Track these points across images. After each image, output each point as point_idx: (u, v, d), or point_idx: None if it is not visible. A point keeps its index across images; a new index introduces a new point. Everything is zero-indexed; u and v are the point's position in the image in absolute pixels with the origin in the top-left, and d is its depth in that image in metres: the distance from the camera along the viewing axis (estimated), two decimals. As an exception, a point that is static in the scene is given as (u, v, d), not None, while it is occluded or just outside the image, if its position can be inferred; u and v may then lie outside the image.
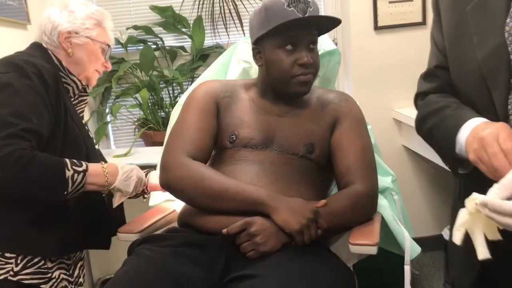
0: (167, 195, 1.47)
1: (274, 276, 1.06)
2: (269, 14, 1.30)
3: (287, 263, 1.11)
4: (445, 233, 2.35)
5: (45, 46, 1.42)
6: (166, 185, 1.30)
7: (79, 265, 1.47)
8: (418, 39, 2.53)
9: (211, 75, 1.73)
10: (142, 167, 1.81)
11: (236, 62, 1.70)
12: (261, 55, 1.37)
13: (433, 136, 1.09)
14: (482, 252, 0.80)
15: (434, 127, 1.07)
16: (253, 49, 1.39)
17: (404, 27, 2.52)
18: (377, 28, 2.52)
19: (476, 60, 0.97)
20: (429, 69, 1.17)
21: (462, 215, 0.83)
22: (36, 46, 1.42)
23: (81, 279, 1.46)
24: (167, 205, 1.56)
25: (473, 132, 0.92)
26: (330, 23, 1.37)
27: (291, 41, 1.30)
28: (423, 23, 2.53)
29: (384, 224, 1.40)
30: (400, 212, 1.50)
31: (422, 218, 2.68)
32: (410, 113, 2.48)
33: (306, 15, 1.28)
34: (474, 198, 0.80)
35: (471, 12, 0.99)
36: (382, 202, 1.43)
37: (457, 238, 0.83)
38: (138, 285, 1.07)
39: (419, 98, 1.18)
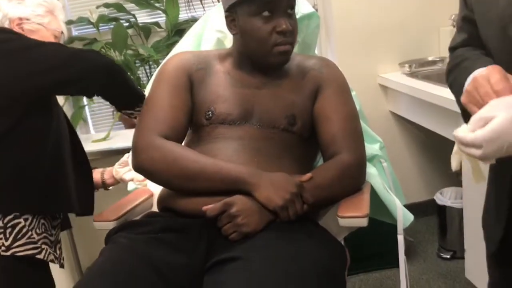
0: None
1: (260, 257, 1.00)
2: None
3: (273, 242, 1.05)
4: (438, 198, 2.32)
5: None
6: (138, 168, 1.23)
7: (58, 245, 1.44)
8: (401, 1, 2.44)
9: (184, 47, 1.63)
10: (123, 150, 1.74)
11: (210, 31, 1.60)
12: (235, 23, 1.26)
13: (453, 91, 1.09)
14: (478, 177, 0.89)
15: (453, 81, 1.07)
16: (226, 17, 1.28)
17: (386, -12, 2.43)
18: (358, -10, 2.42)
19: (499, 8, 0.93)
20: (457, 22, 1.14)
21: (455, 146, 0.89)
22: None
23: (62, 261, 1.44)
24: (146, 189, 1.48)
25: (472, 78, 0.92)
26: None
27: (268, 7, 1.20)
28: (406, -17, 2.43)
29: (374, 194, 1.34)
30: (390, 180, 1.44)
31: (413, 183, 2.65)
32: (396, 78, 2.42)
33: None
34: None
35: None
36: (371, 171, 1.37)
37: (453, 165, 0.92)
38: (115, 276, 1.01)
39: (449, 52, 1.16)
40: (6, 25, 1.39)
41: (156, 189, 1.44)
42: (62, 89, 1.36)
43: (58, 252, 1.41)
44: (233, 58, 1.34)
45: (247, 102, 1.27)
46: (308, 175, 1.17)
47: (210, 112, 1.27)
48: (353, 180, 1.24)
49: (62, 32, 1.49)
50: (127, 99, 1.41)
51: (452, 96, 1.92)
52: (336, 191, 1.20)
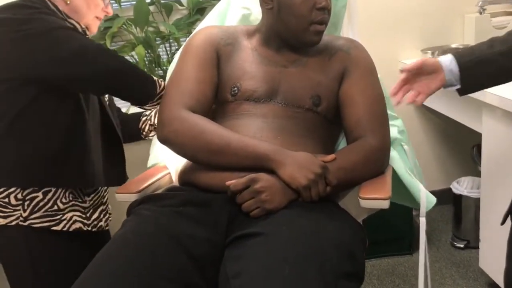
0: (167, 153, 1.41)
1: (281, 234, 1.00)
2: None
3: (295, 219, 1.05)
4: (454, 187, 2.31)
5: None
6: (164, 140, 1.23)
7: (100, 209, 1.45)
8: (426, -14, 2.41)
9: (209, 24, 1.62)
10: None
11: (234, 9, 1.59)
12: None
13: None
14: None
15: None
16: None
17: (412, -27, 2.39)
18: (383, -26, 2.39)
19: None
20: None
21: None
22: None
23: (102, 223, 1.44)
24: (165, 166, 1.49)
25: None
26: None
27: None
28: (432, -32, 2.39)
29: (394, 177, 1.34)
30: (412, 163, 1.43)
31: (430, 171, 2.63)
32: (417, 64, 2.39)
33: None
34: None
35: None
36: (392, 154, 1.36)
37: None
38: (137, 245, 1.02)
39: None
40: None
41: (173, 167, 1.46)
42: (63, 84, 1.30)
43: (96, 215, 1.41)
44: (261, 34, 1.33)
45: (273, 80, 1.27)
46: (332, 156, 1.16)
47: (236, 88, 1.27)
48: (377, 165, 1.23)
49: None
50: (136, 100, 1.40)
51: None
52: (359, 174, 1.19)
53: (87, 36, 1.43)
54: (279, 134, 1.21)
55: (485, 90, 1.77)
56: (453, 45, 2.43)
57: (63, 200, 1.34)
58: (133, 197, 1.27)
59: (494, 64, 1.24)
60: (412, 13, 2.43)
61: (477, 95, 1.83)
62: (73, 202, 1.36)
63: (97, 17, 1.45)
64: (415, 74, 1.31)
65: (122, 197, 1.30)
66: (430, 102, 2.37)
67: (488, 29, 2.30)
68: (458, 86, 1.29)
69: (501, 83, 1.30)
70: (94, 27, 1.46)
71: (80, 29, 1.40)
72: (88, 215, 1.39)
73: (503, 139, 1.74)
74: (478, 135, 1.92)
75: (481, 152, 1.91)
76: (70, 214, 1.35)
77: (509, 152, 1.73)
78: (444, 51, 2.38)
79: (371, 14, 2.42)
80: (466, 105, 1.99)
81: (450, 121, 2.26)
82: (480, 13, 2.28)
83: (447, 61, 1.27)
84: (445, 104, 2.22)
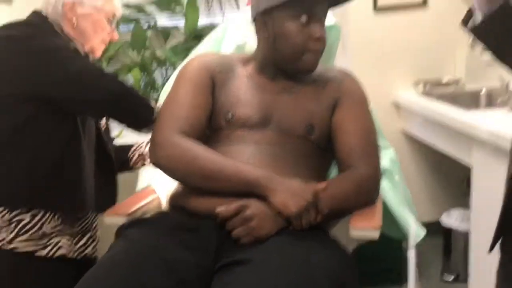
0: (157, 176, 1.41)
1: (272, 262, 1.00)
2: None
3: (285, 247, 1.05)
4: (444, 219, 2.31)
5: (47, 15, 1.38)
6: (157, 164, 1.24)
7: (88, 235, 1.43)
8: (419, 21, 2.47)
9: (204, 51, 1.65)
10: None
11: (229, 37, 1.62)
12: (267, 27, 1.27)
13: None
14: None
15: None
16: (257, 20, 1.29)
17: (405, 8, 2.45)
18: (376, 8, 2.45)
19: None
20: None
21: None
22: (36, 15, 1.38)
23: (88, 250, 1.42)
24: (156, 189, 1.49)
25: None
26: None
27: (307, 13, 1.22)
28: (424, 4, 2.46)
29: (384, 208, 1.34)
30: (403, 194, 1.44)
31: (420, 203, 2.62)
32: (409, 97, 2.43)
33: None
34: None
35: None
36: (383, 184, 1.37)
37: None
38: (126, 269, 1.01)
39: None
40: (60, 7, 1.36)
41: (163, 191, 1.45)
42: (62, 105, 1.31)
43: (83, 241, 1.40)
44: (256, 62, 1.35)
45: (267, 107, 1.28)
46: (324, 184, 1.17)
47: (230, 115, 1.28)
48: (368, 194, 1.24)
49: (115, 15, 1.46)
50: (134, 125, 1.41)
51: (465, 119, 1.94)
52: (351, 203, 1.20)
53: (89, 59, 1.44)
54: (272, 161, 1.22)
55: (475, 124, 1.80)
56: (445, 79, 2.48)
57: (51, 224, 1.32)
58: (121, 220, 1.27)
59: None
60: (405, 46, 2.48)
61: (467, 129, 1.86)
62: (60, 227, 1.34)
63: (102, 41, 1.46)
64: None
65: (110, 220, 1.30)
66: (422, 134, 2.39)
67: (479, 64, 2.35)
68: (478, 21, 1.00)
69: None
70: (98, 51, 1.47)
71: (82, 52, 1.41)
72: (75, 241, 1.37)
73: (493, 173, 1.76)
74: (469, 168, 1.94)
75: (471, 186, 1.93)
76: (56, 239, 1.33)
77: (499, 187, 1.73)
78: (435, 84, 2.42)
79: (364, 46, 2.47)
80: (457, 138, 2.02)
81: (441, 154, 2.28)
82: (472, 50, 2.33)
83: None
84: (436, 136, 2.24)
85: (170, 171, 1.22)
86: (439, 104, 2.20)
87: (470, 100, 2.25)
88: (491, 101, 2.11)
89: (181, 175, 1.21)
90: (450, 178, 2.58)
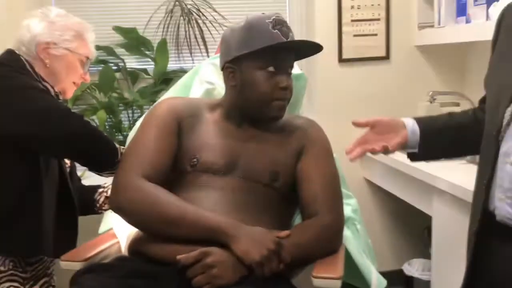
0: (119, 220, 1.37)
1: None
2: (253, 33, 1.25)
3: (246, 297, 1.03)
4: (406, 268, 2.32)
5: (20, 54, 1.38)
6: (117, 208, 1.22)
7: (42, 281, 1.37)
8: (382, 73, 2.56)
9: (173, 95, 1.66)
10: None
11: (199, 82, 1.64)
12: (236, 75, 1.30)
13: None
14: None
15: None
16: (226, 68, 1.32)
17: (368, 61, 2.55)
18: (341, 60, 2.53)
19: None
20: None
21: None
22: (8, 53, 1.38)
23: None
24: (116, 233, 1.45)
25: None
26: (312, 50, 1.34)
27: (274, 63, 1.26)
28: (387, 57, 2.56)
29: (346, 256, 1.34)
30: (364, 243, 1.45)
31: (382, 252, 2.65)
32: (372, 146, 2.48)
33: (288, 39, 1.26)
34: None
35: None
36: (346, 233, 1.38)
37: None
38: None
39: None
40: (33, 48, 1.36)
41: (123, 236, 1.42)
42: (28, 143, 1.29)
43: None
44: (223, 108, 1.37)
45: (233, 154, 1.29)
46: (287, 232, 1.17)
47: (195, 160, 1.27)
48: (330, 243, 1.24)
49: (88, 58, 1.46)
50: (96, 167, 1.40)
51: (425, 169, 1.99)
52: (313, 252, 1.20)
53: (58, 100, 1.43)
54: (235, 208, 1.21)
55: (436, 175, 1.85)
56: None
57: (1, 269, 1.27)
58: (78, 265, 1.22)
59: (452, 134, 1.25)
60: (369, 98, 2.56)
61: (428, 179, 1.91)
62: (12, 271, 1.29)
63: (74, 83, 1.46)
64: (374, 134, 1.27)
65: (67, 265, 1.25)
66: (384, 183, 2.44)
67: (438, 117, 2.44)
68: (415, 150, 1.24)
69: (456, 156, 1.30)
70: (70, 92, 1.47)
71: (52, 92, 1.40)
72: (27, 287, 1.31)
73: (452, 223, 1.79)
74: (430, 218, 1.98)
75: (432, 235, 1.96)
76: (6, 285, 1.27)
77: (459, 236, 1.77)
78: (397, 135, 2.49)
79: (329, 96, 2.53)
80: (418, 188, 2.06)
81: (403, 203, 2.32)
82: (431, 102, 2.43)
83: (410, 122, 1.24)
84: (398, 186, 2.29)
85: (131, 216, 1.20)
86: (401, 153, 2.25)
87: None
88: (450, 152, 2.17)
89: (141, 220, 1.18)
90: (411, 227, 2.62)
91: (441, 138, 1.26)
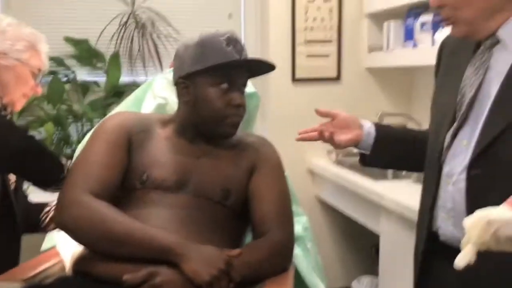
0: (63, 237, 1.32)
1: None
2: (207, 50, 1.25)
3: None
4: (354, 286, 2.36)
5: None
6: (62, 225, 1.17)
7: None
8: (333, 93, 2.63)
9: (123, 109, 1.63)
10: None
11: (151, 97, 1.62)
12: (189, 91, 1.29)
13: None
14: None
15: None
16: (179, 83, 1.31)
17: (320, 81, 2.61)
18: (294, 80, 2.58)
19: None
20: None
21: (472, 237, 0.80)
22: None
23: None
24: (60, 251, 1.39)
25: None
26: (265, 68, 1.35)
27: (227, 80, 1.26)
28: (338, 78, 2.63)
29: (296, 275, 1.35)
30: (314, 261, 1.46)
31: (332, 269, 2.68)
32: (323, 164, 2.53)
33: (242, 57, 1.27)
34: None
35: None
36: (296, 251, 1.39)
37: (467, 259, 0.79)
38: None
39: None
40: None
41: (67, 254, 1.36)
42: None
43: None
44: (175, 124, 1.35)
45: (184, 170, 1.27)
46: (237, 250, 1.16)
47: (145, 176, 1.25)
48: (281, 261, 1.24)
49: (40, 70, 1.41)
50: (40, 183, 1.36)
51: (374, 188, 2.05)
52: (264, 270, 1.19)
53: (3, 113, 1.37)
54: (186, 226, 1.19)
55: (383, 194, 1.91)
56: (356, 149, 2.61)
57: None
58: (17, 286, 1.16)
59: (405, 147, 1.30)
60: (320, 118, 2.58)
61: (376, 198, 1.96)
62: None
63: (24, 95, 1.40)
64: (330, 125, 1.32)
65: (3, 286, 1.18)
66: (334, 201, 2.48)
67: (386, 138, 2.52)
68: (367, 152, 1.29)
69: (404, 169, 1.36)
70: (19, 105, 1.42)
71: (0, 104, 1.34)
72: None
73: (399, 242, 1.84)
74: (378, 236, 2.02)
75: (379, 253, 2.01)
76: None
77: (406, 255, 1.82)
78: (347, 153, 2.55)
79: (282, 114, 2.57)
80: (366, 207, 2.11)
81: (352, 221, 2.36)
82: (380, 121, 2.51)
83: (367, 124, 1.29)
84: (347, 203, 2.33)
85: (76, 234, 1.16)
86: (350, 172, 2.31)
87: (378, 171, 2.38)
88: (398, 172, 2.25)
89: (87, 238, 1.14)
90: (360, 245, 2.67)
91: (394, 147, 1.30)
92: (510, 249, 0.78)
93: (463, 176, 1.02)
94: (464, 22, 1.02)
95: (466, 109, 1.04)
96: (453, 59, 1.17)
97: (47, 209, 1.51)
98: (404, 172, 2.16)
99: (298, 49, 2.55)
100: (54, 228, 1.50)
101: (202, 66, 1.25)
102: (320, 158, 2.59)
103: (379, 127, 1.31)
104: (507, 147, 0.97)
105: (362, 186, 2.10)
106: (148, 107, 1.61)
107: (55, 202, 1.47)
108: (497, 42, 1.02)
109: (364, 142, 1.29)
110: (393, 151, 1.31)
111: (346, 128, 1.30)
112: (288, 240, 1.26)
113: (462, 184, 1.03)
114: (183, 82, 1.30)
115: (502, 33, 1.01)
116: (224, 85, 1.26)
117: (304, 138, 1.33)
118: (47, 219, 1.50)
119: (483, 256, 0.79)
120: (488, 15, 1.00)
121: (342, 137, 1.28)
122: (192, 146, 1.32)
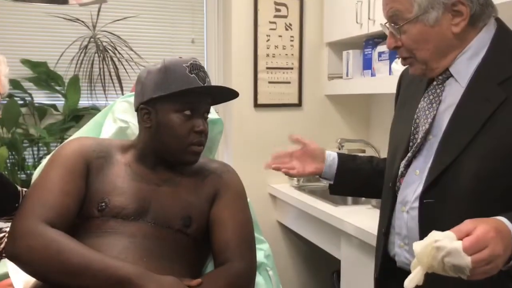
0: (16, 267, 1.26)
1: None
2: (170, 76, 1.25)
3: None
4: (315, 311, 2.36)
5: None
6: (13, 256, 1.11)
7: None
8: (294, 119, 2.67)
9: (83, 134, 1.59)
10: None
11: (112, 120, 1.59)
12: (151, 117, 1.28)
13: None
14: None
15: None
16: (141, 109, 1.29)
17: (282, 107, 2.64)
18: (256, 105, 2.60)
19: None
20: None
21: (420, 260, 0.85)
22: None
23: None
24: (13, 282, 1.33)
25: None
26: (228, 95, 1.36)
27: (191, 107, 1.26)
28: (299, 104, 2.67)
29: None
30: (276, 288, 1.45)
31: (293, 295, 2.68)
32: (284, 189, 2.54)
33: (205, 84, 1.27)
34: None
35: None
36: (258, 279, 1.37)
37: (416, 280, 0.85)
38: None
39: None
40: None
41: (20, 283, 1.30)
42: None
43: None
44: (136, 150, 1.33)
45: (144, 198, 1.25)
46: (198, 280, 1.14)
47: (103, 204, 1.21)
48: None
49: None
50: None
51: (334, 213, 2.08)
52: None
53: None
54: (145, 255, 1.16)
55: (343, 219, 1.93)
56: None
57: None
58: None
59: (364, 176, 1.39)
60: (281, 141, 2.60)
61: (337, 223, 1.98)
62: None
63: None
64: (299, 152, 1.42)
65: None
66: (295, 226, 2.49)
67: (346, 163, 2.57)
68: (331, 182, 1.40)
69: (366, 196, 1.45)
70: None
71: None
72: None
73: (360, 266, 1.86)
74: (339, 261, 2.03)
75: (340, 278, 2.01)
76: None
77: (366, 279, 1.84)
78: (308, 179, 2.58)
79: (244, 140, 2.58)
80: (327, 232, 2.13)
81: (313, 246, 2.37)
82: (339, 149, 2.55)
83: (330, 156, 1.40)
84: (308, 228, 2.34)
85: (29, 265, 1.10)
86: (310, 197, 2.33)
87: (338, 196, 2.42)
88: (357, 198, 2.28)
89: (40, 270, 1.09)
90: (322, 270, 2.68)
91: (355, 177, 1.40)
92: (455, 275, 0.82)
93: (416, 204, 1.06)
94: (420, 62, 1.09)
95: (420, 141, 1.08)
96: (409, 91, 1.22)
97: (1, 235, 1.44)
98: (363, 198, 2.19)
99: (260, 75, 2.58)
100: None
101: (165, 92, 1.24)
102: (282, 183, 2.61)
103: (342, 158, 1.40)
104: (457, 176, 1.01)
105: (323, 210, 2.12)
106: (108, 131, 1.57)
107: (7, 229, 1.41)
108: (449, 76, 1.08)
109: (326, 174, 1.40)
110: (355, 180, 1.40)
111: (311, 158, 1.41)
112: (250, 269, 1.25)
113: (416, 212, 1.06)
114: (145, 108, 1.28)
115: (453, 69, 1.07)
116: (187, 112, 1.26)
117: (272, 168, 1.44)
118: (2, 245, 1.42)
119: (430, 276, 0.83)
120: (441, 54, 1.06)
121: (307, 169, 1.40)
122: (153, 173, 1.30)
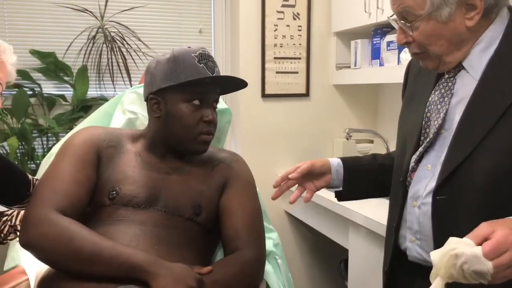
0: (27, 255, 1.28)
1: None
2: (179, 66, 1.25)
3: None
4: (323, 300, 2.37)
5: None
6: (27, 243, 1.12)
7: None
8: (302, 109, 2.66)
9: (92, 123, 1.60)
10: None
11: (121, 111, 1.60)
12: (160, 107, 1.29)
13: None
14: None
15: None
16: (150, 99, 1.30)
17: (289, 97, 2.64)
18: (264, 95, 2.60)
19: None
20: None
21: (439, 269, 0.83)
22: None
23: None
24: (22, 270, 1.34)
25: None
26: (237, 85, 1.36)
27: (200, 97, 1.26)
28: (307, 94, 2.67)
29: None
30: (285, 278, 1.46)
31: (301, 284, 2.69)
32: (293, 179, 2.54)
33: (214, 74, 1.27)
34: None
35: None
36: (267, 267, 1.38)
37: None
38: None
39: None
40: None
41: (33, 273, 1.32)
42: None
43: None
44: (146, 140, 1.34)
45: (154, 186, 1.26)
46: (208, 268, 1.15)
47: (114, 192, 1.23)
48: (252, 278, 1.23)
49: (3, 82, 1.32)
50: (5, 201, 1.30)
51: (343, 203, 2.08)
52: (234, 287, 1.18)
53: None
54: (156, 243, 1.17)
55: (352, 209, 1.93)
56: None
57: None
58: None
59: (373, 176, 1.36)
60: (289, 132, 2.64)
61: (345, 213, 1.98)
62: None
63: None
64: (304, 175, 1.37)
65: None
66: (302, 216, 2.50)
67: (354, 153, 2.57)
68: (341, 189, 1.37)
69: (378, 196, 1.42)
70: None
71: None
72: None
73: (368, 256, 1.87)
74: (347, 250, 2.04)
75: (348, 268, 2.02)
76: None
77: (374, 269, 1.85)
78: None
79: (252, 130, 2.58)
80: (335, 221, 2.13)
81: (321, 236, 2.38)
82: (347, 139, 2.55)
83: (335, 164, 1.35)
84: (316, 218, 2.35)
85: (42, 252, 1.12)
86: (319, 188, 2.33)
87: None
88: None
89: (54, 257, 1.10)
90: (330, 259, 2.69)
91: (363, 179, 1.37)
92: (476, 282, 0.80)
93: (429, 200, 1.05)
94: (434, 56, 1.06)
95: (433, 136, 1.07)
96: (418, 82, 1.20)
97: (4, 219, 1.46)
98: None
99: (268, 65, 2.58)
100: (12, 239, 1.45)
101: (174, 82, 1.25)
102: (289, 173, 2.61)
103: (346, 163, 1.36)
104: (470, 173, 0.99)
105: (331, 200, 2.12)
106: (118, 122, 1.58)
107: (11, 212, 1.43)
108: (461, 68, 1.06)
109: (335, 182, 1.36)
110: (362, 184, 1.37)
111: (317, 175, 1.36)
112: (259, 257, 1.26)
113: (428, 208, 1.05)
114: (154, 98, 1.29)
115: (466, 62, 1.05)
116: (196, 102, 1.27)
117: (279, 195, 1.39)
118: (5, 230, 1.44)
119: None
120: (455, 48, 1.04)
121: (317, 185, 1.38)
122: (163, 162, 1.31)
